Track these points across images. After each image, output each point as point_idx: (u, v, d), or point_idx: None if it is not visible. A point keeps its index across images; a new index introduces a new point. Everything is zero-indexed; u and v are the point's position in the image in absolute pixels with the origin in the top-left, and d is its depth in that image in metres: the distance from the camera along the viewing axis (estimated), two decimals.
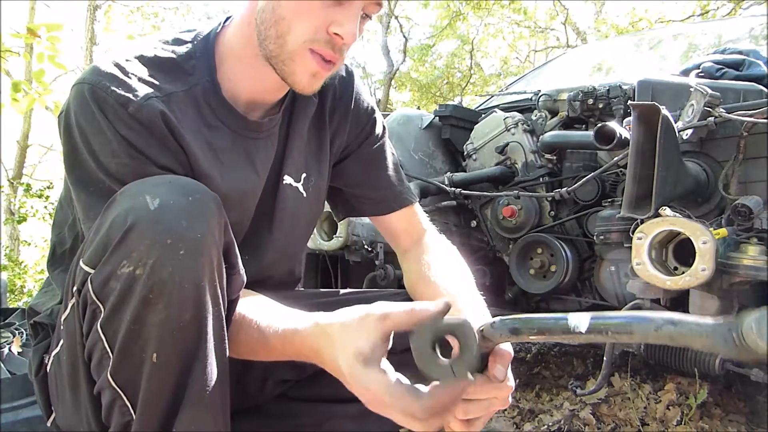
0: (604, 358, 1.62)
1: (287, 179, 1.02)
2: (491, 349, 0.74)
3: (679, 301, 1.61)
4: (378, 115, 1.13)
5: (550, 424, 1.78)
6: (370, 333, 0.69)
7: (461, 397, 0.70)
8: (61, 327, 0.84)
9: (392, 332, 0.70)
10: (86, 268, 0.75)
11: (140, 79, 0.84)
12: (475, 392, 0.76)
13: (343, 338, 0.71)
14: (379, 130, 1.13)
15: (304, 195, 1.05)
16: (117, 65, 0.84)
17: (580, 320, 0.63)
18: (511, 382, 0.78)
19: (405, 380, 0.69)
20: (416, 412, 0.66)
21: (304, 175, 1.05)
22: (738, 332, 0.54)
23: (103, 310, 0.73)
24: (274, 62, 0.88)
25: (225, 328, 0.77)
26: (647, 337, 0.60)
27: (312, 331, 0.75)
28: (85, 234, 0.82)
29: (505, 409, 1.96)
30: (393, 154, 1.16)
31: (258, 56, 0.90)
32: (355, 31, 0.86)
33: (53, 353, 0.88)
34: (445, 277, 1.02)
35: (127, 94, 0.82)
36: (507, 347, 0.78)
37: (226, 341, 0.77)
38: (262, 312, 0.83)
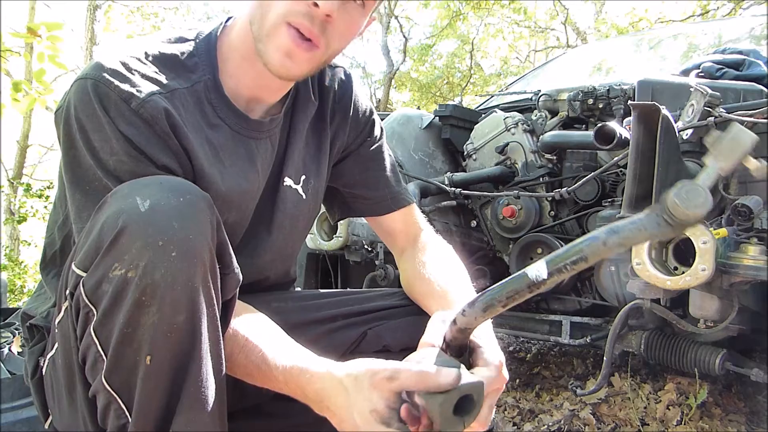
0: (604, 358, 1.62)
1: (287, 181, 1.02)
2: (468, 336, 0.75)
3: (679, 300, 1.61)
4: (376, 116, 1.14)
5: (550, 424, 1.78)
6: (383, 392, 0.70)
7: None
8: (56, 330, 0.83)
9: (403, 390, 0.71)
10: (78, 271, 0.74)
11: (143, 76, 0.84)
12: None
13: (357, 394, 0.71)
14: (377, 131, 1.14)
15: (304, 197, 1.05)
16: (120, 61, 0.84)
17: (538, 269, 0.64)
18: (500, 356, 0.79)
19: None
20: None
21: (303, 176, 1.05)
22: (666, 212, 0.57)
23: (95, 313, 0.72)
24: (257, 46, 0.87)
25: (220, 329, 0.76)
26: (601, 253, 0.62)
27: (324, 377, 0.75)
28: (76, 234, 0.82)
29: (505, 409, 1.96)
30: (390, 155, 1.16)
31: (256, 52, 0.90)
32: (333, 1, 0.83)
33: (48, 356, 0.87)
34: (439, 275, 1.02)
35: (131, 90, 0.81)
36: (479, 340, 0.79)
37: (222, 342, 0.77)
38: (268, 340, 0.82)
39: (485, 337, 0.81)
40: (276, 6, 0.84)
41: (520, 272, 0.66)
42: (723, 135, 0.62)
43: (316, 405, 0.76)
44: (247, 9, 0.91)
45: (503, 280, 0.68)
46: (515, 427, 1.84)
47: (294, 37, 0.84)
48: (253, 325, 0.84)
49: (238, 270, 0.80)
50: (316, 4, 0.82)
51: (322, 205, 1.17)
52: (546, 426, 1.78)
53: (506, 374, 0.80)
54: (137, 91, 0.82)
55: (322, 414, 0.76)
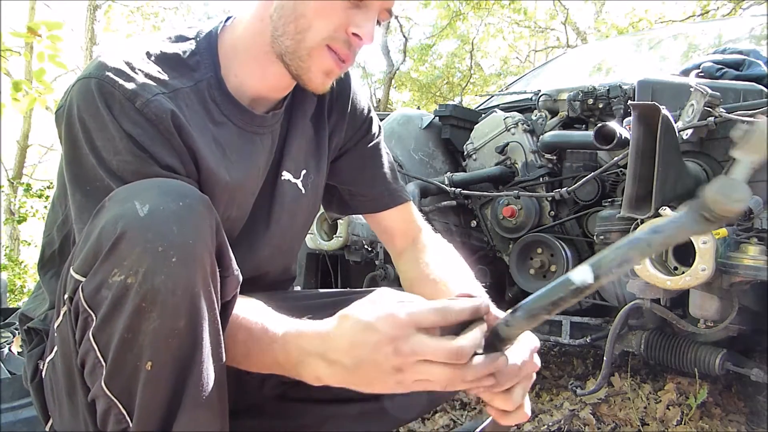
0: (604, 358, 1.62)
1: (286, 175, 1.02)
2: (507, 345, 0.72)
3: (679, 300, 1.61)
4: (374, 114, 1.14)
5: (550, 424, 1.78)
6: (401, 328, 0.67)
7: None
8: (55, 334, 0.83)
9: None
10: (77, 276, 0.74)
11: (147, 75, 0.84)
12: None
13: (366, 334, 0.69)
14: (375, 128, 1.14)
15: (303, 191, 1.05)
16: (124, 60, 0.83)
17: (583, 275, 0.63)
18: (534, 341, 0.76)
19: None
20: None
21: (303, 171, 1.05)
22: (705, 208, 0.57)
23: (94, 318, 0.71)
24: (290, 59, 0.89)
25: (221, 333, 0.76)
26: (646, 254, 0.62)
27: (334, 321, 0.73)
28: (77, 235, 0.81)
29: None
30: (388, 153, 1.17)
31: (268, 53, 0.90)
32: (372, 33, 0.88)
33: (48, 359, 0.87)
34: (446, 276, 1.02)
35: (135, 89, 0.81)
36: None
37: (223, 346, 0.76)
38: (264, 313, 0.81)
39: None
40: (317, 29, 0.86)
41: (563, 278, 0.64)
42: (751, 128, 0.62)
43: (318, 361, 0.72)
44: (254, 8, 0.91)
45: (545, 288, 0.66)
46: (515, 426, 1.84)
47: (335, 60, 0.88)
48: (248, 305, 0.83)
49: (237, 271, 0.79)
50: (357, 35, 0.86)
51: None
52: (546, 426, 1.78)
53: (538, 361, 0.76)
54: (142, 90, 0.81)
55: (321, 379, 0.72)
